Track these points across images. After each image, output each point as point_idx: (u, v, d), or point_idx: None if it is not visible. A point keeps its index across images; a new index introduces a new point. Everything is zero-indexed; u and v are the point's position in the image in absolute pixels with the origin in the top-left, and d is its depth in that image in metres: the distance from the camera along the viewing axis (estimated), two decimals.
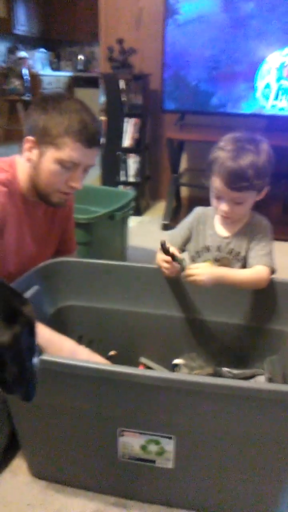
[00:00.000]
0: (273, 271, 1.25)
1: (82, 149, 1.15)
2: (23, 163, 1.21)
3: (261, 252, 1.27)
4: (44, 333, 1.03)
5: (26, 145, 1.17)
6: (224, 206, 1.25)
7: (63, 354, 1.02)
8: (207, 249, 1.35)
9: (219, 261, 1.34)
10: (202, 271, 1.18)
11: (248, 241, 1.30)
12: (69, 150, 1.13)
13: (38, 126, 1.14)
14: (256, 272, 1.23)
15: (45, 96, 1.18)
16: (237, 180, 1.17)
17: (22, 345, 0.62)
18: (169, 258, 1.23)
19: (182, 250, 1.40)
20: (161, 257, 1.26)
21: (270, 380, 1.23)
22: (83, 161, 1.17)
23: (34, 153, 1.17)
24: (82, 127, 1.13)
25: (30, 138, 1.16)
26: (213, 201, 1.29)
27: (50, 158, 1.15)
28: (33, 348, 0.67)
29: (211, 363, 1.34)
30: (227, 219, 1.30)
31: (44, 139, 1.14)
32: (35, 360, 0.69)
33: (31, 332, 0.66)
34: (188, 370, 1.31)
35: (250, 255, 1.29)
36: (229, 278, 1.20)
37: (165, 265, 1.25)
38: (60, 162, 1.15)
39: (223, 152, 1.19)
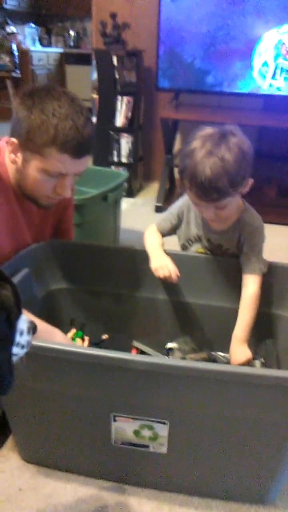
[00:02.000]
0: (264, 273, 1.22)
1: (70, 160, 1.02)
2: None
3: (253, 259, 1.22)
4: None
5: (10, 147, 1.06)
6: (206, 214, 1.18)
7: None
8: (199, 238, 1.32)
9: (210, 251, 1.31)
10: (243, 361, 1.15)
11: (237, 239, 1.25)
12: (55, 162, 1.02)
13: (22, 129, 1.01)
14: (250, 298, 1.20)
15: (33, 89, 1.04)
16: (209, 193, 1.08)
17: None
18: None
19: (169, 235, 1.36)
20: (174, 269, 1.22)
21: (264, 364, 1.23)
22: (71, 171, 1.06)
23: (19, 156, 1.06)
24: (71, 137, 0.99)
25: (14, 140, 1.04)
26: (195, 207, 1.22)
27: (34, 167, 1.04)
28: (9, 339, 0.63)
29: (205, 348, 1.33)
30: (214, 222, 1.23)
31: (28, 145, 1.02)
32: (20, 351, 0.66)
33: (8, 320, 0.62)
34: (182, 354, 1.29)
35: (242, 259, 1.23)
36: (249, 335, 1.18)
37: (173, 277, 1.21)
38: (46, 172, 1.04)
39: (191, 161, 1.08)
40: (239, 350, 1.16)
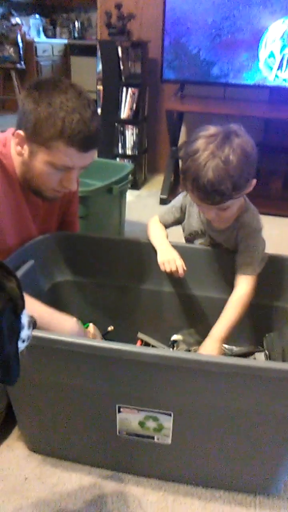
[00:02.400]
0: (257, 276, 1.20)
1: (77, 154, 1.02)
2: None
3: (248, 260, 1.20)
4: (42, 313, 1.01)
5: (16, 140, 1.05)
6: (208, 215, 1.17)
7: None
8: (203, 233, 1.31)
9: (212, 247, 1.31)
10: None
11: (235, 239, 1.24)
12: (62, 155, 1.01)
13: (28, 121, 1.01)
14: (237, 300, 1.17)
15: (40, 82, 1.03)
16: (212, 196, 1.06)
17: (2, 324, 0.58)
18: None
19: (171, 226, 1.36)
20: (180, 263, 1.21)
21: (269, 357, 1.23)
22: (78, 164, 1.05)
23: (25, 149, 1.05)
24: (78, 130, 0.98)
25: (20, 133, 1.03)
26: (197, 206, 1.21)
27: (41, 160, 1.03)
28: (16, 330, 0.64)
29: None
30: (215, 222, 1.22)
31: (35, 138, 1.01)
32: (21, 344, 0.66)
33: (15, 312, 0.62)
34: (186, 346, 1.30)
35: (237, 259, 1.22)
36: (226, 335, 1.15)
37: (180, 271, 1.21)
38: (52, 165, 1.03)
39: (194, 163, 1.05)
40: (210, 348, 1.13)
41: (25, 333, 0.67)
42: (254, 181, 1.11)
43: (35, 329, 0.71)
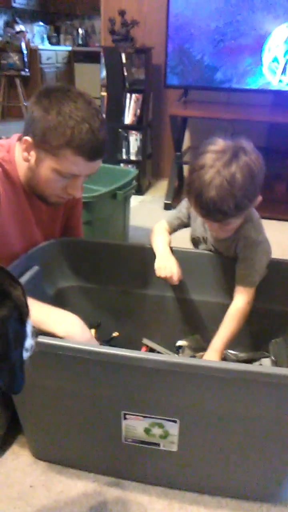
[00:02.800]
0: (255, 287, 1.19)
1: (84, 163, 1.03)
2: (21, 156, 1.11)
3: (247, 272, 1.18)
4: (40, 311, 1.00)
5: (24, 145, 1.06)
6: (211, 228, 1.18)
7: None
8: (205, 240, 1.31)
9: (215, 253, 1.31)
10: None
11: (235, 249, 1.23)
12: (69, 164, 1.02)
13: (37, 128, 1.02)
14: (235, 312, 1.16)
15: (50, 90, 1.04)
16: (214, 214, 1.06)
17: (8, 331, 0.58)
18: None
19: (175, 230, 1.35)
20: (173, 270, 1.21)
21: (275, 363, 1.21)
22: (84, 172, 1.07)
23: (32, 155, 1.06)
24: (87, 140, 0.99)
25: (28, 139, 1.04)
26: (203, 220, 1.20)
27: (47, 167, 1.04)
28: (21, 338, 0.63)
29: None
30: (217, 233, 1.22)
31: (43, 146, 1.02)
32: (25, 354, 0.65)
33: (20, 320, 0.62)
34: (192, 352, 1.29)
35: (236, 270, 1.21)
36: (226, 346, 1.15)
37: (174, 279, 1.21)
38: (58, 173, 1.05)
39: (198, 179, 1.04)
40: (210, 359, 1.13)
41: (28, 342, 0.67)
42: (259, 198, 1.10)
43: (37, 338, 0.71)
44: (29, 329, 0.67)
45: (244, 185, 1.02)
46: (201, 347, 1.30)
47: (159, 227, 1.35)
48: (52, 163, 1.03)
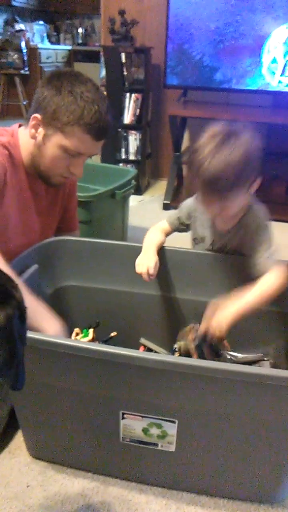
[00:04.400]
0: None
1: (89, 141, 1.10)
2: (26, 137, 1.16)
3: (266, 254, 1.17)
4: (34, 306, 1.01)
5: (33, 122, 1.11)
6: (210, 211, 1.17)
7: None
8: (203, 239, 1.31)
9: (214, 251, 1.31)
10: (218, 324, 1.10)
11: (239, 239, 1.23)
12: (77, 141, 1.08)
13: (48, 107, 1.08)
14: (267, 282, 1.14)
15: (61, 73, 1.11)
16: (213, 188, 1.08)
17: (14, 329, 0.60)
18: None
19: (176, 230, 1.36)
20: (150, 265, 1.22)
21: (274, 365, 1.21)
22: (89, 151, 1.14)
23: (40, 132, 1.11)
24: (95, 119, 1.07)
25: (38, 116, 1.10)
26: (199, 204, 1.21)
27: (55, 143, 1.10)
28: (23, 335, 0.65)
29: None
30: (218, 219, 1.21)
31: (53, 122, 1.08)
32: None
33: (22, 318, 0.64)
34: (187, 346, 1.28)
35: (255, 260, 1.19)
36: (246, 310, 1.11)
37: (144, 276, 1.22)
38: (65, 150, 1.10)
39: (198, 155, 1.08)
40: (223, 317, 1.10)
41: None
42: (258, 181, 1.12)
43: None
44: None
45: (241, 160, 1.05)
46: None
47: (155, 227, 1.36)
48: (60, 139, 1.09)
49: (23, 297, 0.64)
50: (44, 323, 1.00)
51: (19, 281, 0.86)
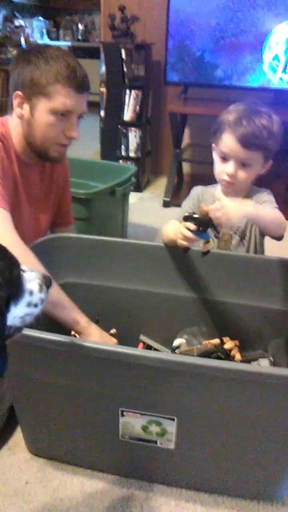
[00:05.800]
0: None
1: (74, 95, 1.12)
2: (15, 122, 1.18)
3: (272, 205, 1.25)
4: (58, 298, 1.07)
5: (16, 101, 1.14)
6: (229, 167, 1.19)
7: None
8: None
9: (221, 238, 1.31)
10: (229, 208, 1.03)
11: (244, 223, 1.26)
12: (62, 98, 1.11)
13: (25, 78, 1.11)
14: (278, 212, 1.19)
15: (24, 50, 1.16)
16: (251, 138, 1.14)
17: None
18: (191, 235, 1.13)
19: None
20: (185, 231, 1.14)
21: (273, 363, 1.21)
22: (77, 107, 1.15)
23: (25, 108, 1.14)
24: (70, 71, 1.11)
25: (19, 93, 1.13)
26: (218, 166, 1.23)
27: (43, 110, 1.12)
28: (3, 320, 0.65)
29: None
30: (229, 187, 1.22)
31: (34, 90, 1.11)
32: (34, 309, 0.68)
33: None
34: (188, 346, 1.28)
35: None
36: (257, 215, 1.12)
37: (187, 237, 1.14)
38: (54, 112, 1.12)
39: (237, 112, 1.17)
40: (239, 203, 1.08)
41: (36, 297, 0.68)
42: (270, 162, 1.21)
43: (50, 288, 0.71)
44: (34, 286, 0.68)
45: (276, 126, 1.18)
46: (199, 342, 1.30)
47: (168, 223, 1.33)
48: (46, 104, 1.11)
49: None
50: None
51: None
